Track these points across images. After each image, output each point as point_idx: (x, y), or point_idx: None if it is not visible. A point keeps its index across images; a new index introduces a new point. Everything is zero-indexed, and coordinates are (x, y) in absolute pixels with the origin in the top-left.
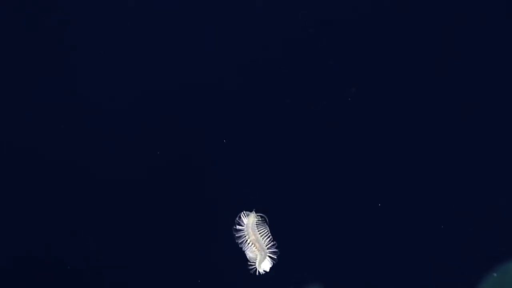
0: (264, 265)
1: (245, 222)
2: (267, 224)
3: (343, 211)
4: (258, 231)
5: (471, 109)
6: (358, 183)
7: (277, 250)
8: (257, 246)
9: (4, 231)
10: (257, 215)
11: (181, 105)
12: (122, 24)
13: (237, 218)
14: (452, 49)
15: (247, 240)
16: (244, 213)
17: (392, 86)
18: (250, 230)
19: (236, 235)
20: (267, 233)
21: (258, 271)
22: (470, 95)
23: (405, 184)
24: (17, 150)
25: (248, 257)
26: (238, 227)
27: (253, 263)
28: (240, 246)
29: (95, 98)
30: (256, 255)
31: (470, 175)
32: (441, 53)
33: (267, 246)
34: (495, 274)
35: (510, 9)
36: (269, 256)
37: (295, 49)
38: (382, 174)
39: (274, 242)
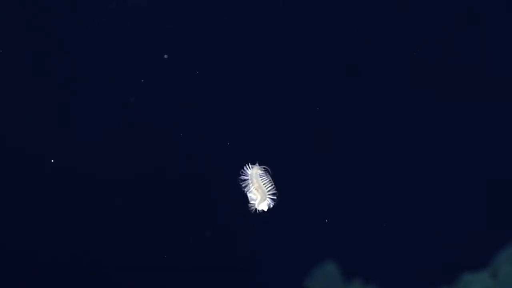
0: (263, 205)
1: (249, 173)
2: (269, 174)
3: (345, 208)
4: (261, 179)
5: (471, 111)
6: (359, 183)
7: (276, 192)
8: (259, 190)
9: (3, 231)
10: (261, 167)
11: (180, 106)
12: (122, 24)
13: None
14: (452, 49)
15: (250, 185)
16: (248, 166)
17: (394, 87)
18: (253, 178)
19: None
20: (269, 181)
21: (257, 209)
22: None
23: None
24: (14, 151)
25: (248, 197)
26: (242, 176)
27: (253, 203)
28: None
29: (94, 98)
30: (257, 196)
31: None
32: (441, 53)
33: (268, 191)
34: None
35: (510, 9)
36: (269, 198)
37: (296, 50)
38: (385, 168)
39: (274, 186)
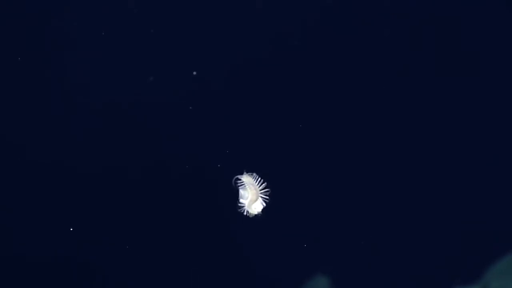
0: (256, 208)
1: (244, 180)
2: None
3: (343, 211)
4: (255, 183)
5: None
6: (356, 186)
7: (268, 197)
8: (255, 196)
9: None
10: (251, 174)
11: (179, 105)
12: (121, 25)
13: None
14: (453, 49)
15: (244, 188)
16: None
17: (395, 90)
18: (251, 185)
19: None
20: (262, 185)
21: (249, 212)
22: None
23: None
24: (11, 151)
25: (240, 194)
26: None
27: (244, 202)
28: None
29: (93, 98)
30: (248, 195)
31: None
32: (441, 53)
33: (261, 192)
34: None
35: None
36: (262, 200)
37: (297, 51)
38: (382, 175)
39: (268, 189)
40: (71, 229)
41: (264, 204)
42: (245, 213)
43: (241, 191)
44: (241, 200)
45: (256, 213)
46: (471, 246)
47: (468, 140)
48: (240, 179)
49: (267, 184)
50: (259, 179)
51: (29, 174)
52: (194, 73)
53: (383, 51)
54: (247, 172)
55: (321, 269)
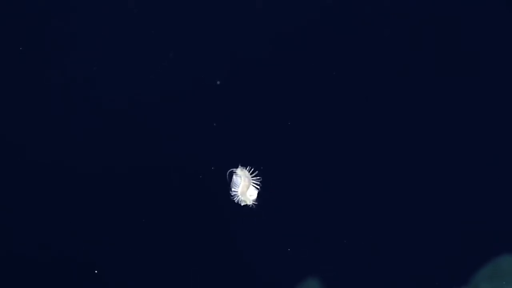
0: (251, 195)
1: (237, 172)
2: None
3: (338, 213)
4: (249, 174)
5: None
6: (345, 202)
7: (260, 183)
8: (245, 182)
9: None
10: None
11: (179, 105)
12: (121, 25)
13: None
14: (453, 49)
15: (238, 181)
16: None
17: (394, 92)
18: (244, 176)
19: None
20: (254, 173)
21: (242, 200)
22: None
23: (402, 184)
24: (10, 150)
25: (233, 180)
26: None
27: (236, 191)
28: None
29: (92, 98)
30: (241, 184)
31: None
32: (441, 53)
33: (254, 181)
34: None
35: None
36: (254, 187)
37: (297, 51)
38: (378, 177)
39: (260, 177)
40: (96, 271)
41: (259, 188)
42: (237, 202)
43: (234, 178)
44: (233, 188)
45: (251, 202)
46: (461, 251)
47: (468, 140)
48: (234, 172)
49: (266, 184)
50: (252, 170)
51: (29, 174)
52: (218, 82)
53: (383, 51)
54: (241, 166)
55: (320, 268)
